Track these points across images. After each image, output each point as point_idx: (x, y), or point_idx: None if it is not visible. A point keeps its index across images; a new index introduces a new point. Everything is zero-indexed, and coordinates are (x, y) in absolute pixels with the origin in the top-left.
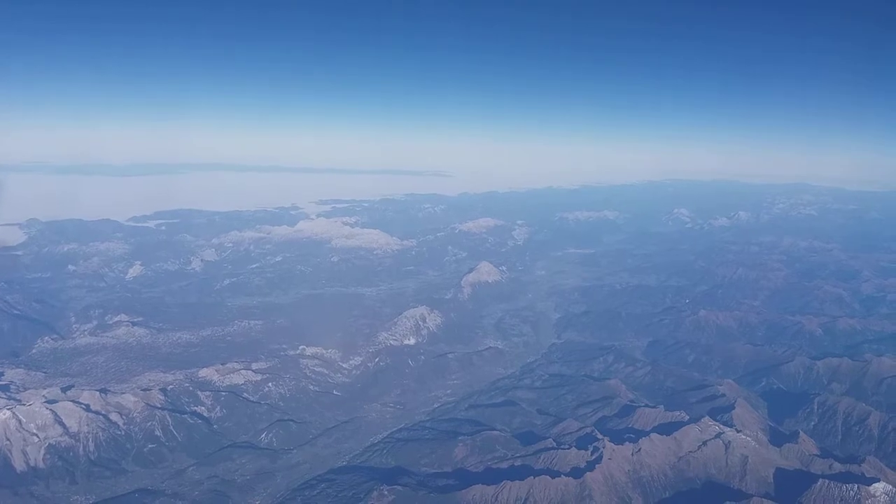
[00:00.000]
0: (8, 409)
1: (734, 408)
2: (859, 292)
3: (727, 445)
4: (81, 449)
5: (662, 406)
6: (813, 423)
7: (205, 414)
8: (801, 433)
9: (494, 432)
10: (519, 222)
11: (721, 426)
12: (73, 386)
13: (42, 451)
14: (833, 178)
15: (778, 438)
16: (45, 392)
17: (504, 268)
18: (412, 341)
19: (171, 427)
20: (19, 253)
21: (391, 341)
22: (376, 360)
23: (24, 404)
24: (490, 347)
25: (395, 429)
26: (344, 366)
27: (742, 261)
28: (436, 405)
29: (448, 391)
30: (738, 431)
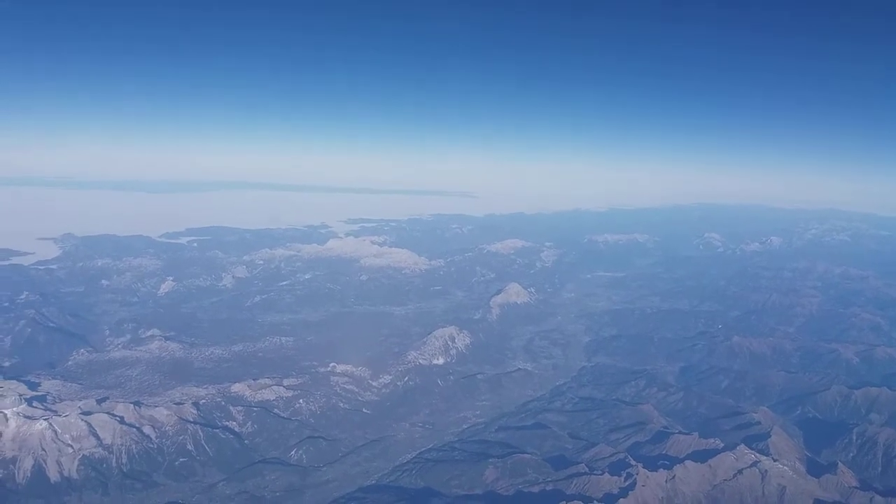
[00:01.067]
0: (44, 420)
1: (770, 436)
2: None
3: (763, 475)
4: (114, 461)
5: (697, 433)
6: (852, 454)
7: (236, 429)
8: (840, 464)
9: (525, 455)
10: (547, 244)
11: (757, 454)
12: (107, 398)
13: (76, 462)
14: (864, 204)
15: (816, 469)
16: (80, 404)
17: (533, 289)
18: (441, 361)
19: (203, 441)
20: (54, 267)
21: (420, 360)
22: (405, 378)
23: (59, 415)
24: (519, 369)
25: (423, 449)
26: (373, 384)
27: (775, 286)
28: (465, 426)
29: (477, 412)
30: (774, 461)
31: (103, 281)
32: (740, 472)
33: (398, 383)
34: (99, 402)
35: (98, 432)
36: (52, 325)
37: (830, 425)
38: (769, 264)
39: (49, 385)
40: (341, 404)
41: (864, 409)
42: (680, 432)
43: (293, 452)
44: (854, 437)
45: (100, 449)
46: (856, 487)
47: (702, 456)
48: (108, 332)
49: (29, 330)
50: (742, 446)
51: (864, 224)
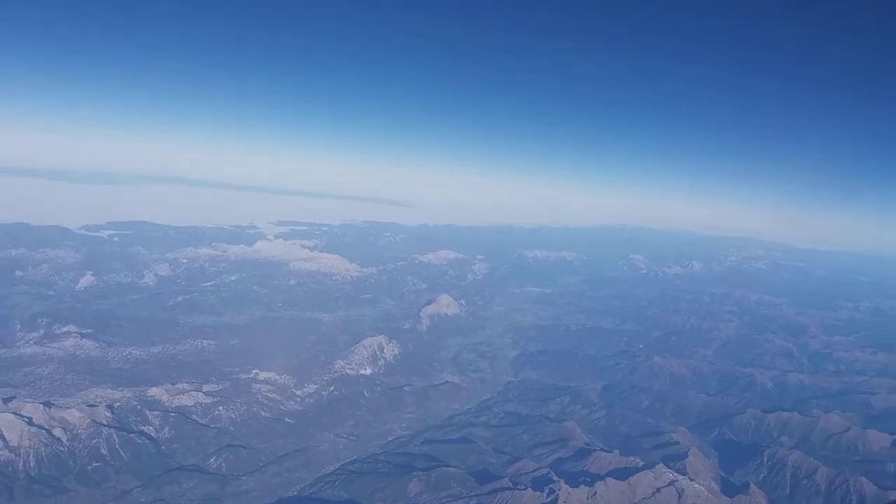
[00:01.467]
0: None
1: (688, 456)
2: (807, 348)
3: (680, 493)
4: (21, 464)
5: (618, 451)
6: (763, 475)
7: (152, 434)
8: (752, 485)
9: (450, 469)
10: (479, 257)
11: (675, 474)
12: (14, 397)
13: None
14: (782, 235)
15: (729, 489)
16: None
17: (463, 301)
18: (368, 371)
19: (117, 446)
20: None
21: (347, 370)
22: (331, 388)
23: None
24: (447, 382)
25: (347, 460)
26: (297, 393)
27: (695, 310)
28: (390, 438)
29: (403, 424)
30: (691, 480)
31: (17, 272)
32: (658, 490)
33: (323, 393)
34: (5, 401)
35: (4, 433)
36: None
37: (744, 447)
38: (689, 288)
39: None
40: (263, 413)
41: (776, 432)
42: (602, 449)
43: (212, 460)
44: (765, 459)
45: (5, 451)
46: None
47: (622, 474)
48: (19, 327)
49: None
50: (661, 465)
51: (780, 254)
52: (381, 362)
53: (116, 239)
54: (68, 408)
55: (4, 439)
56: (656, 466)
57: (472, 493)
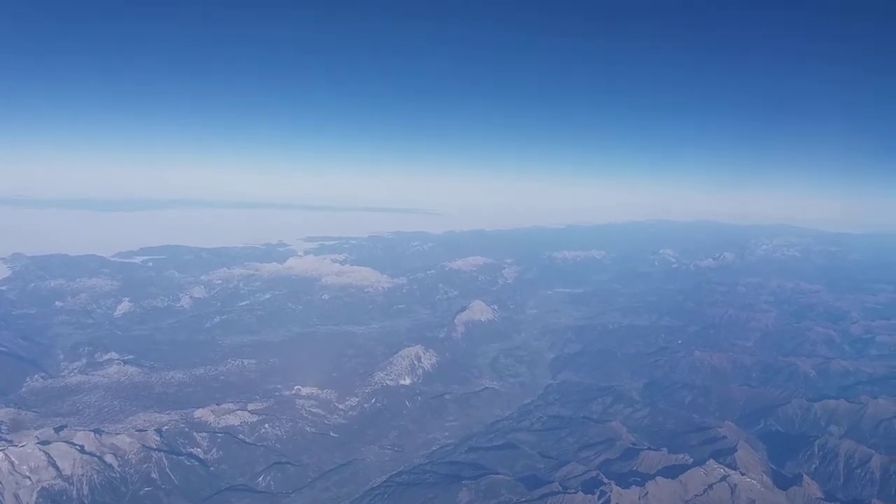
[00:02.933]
0: (0, 451)
1: (737, 450)
2: (849, 334)
3: (733, 489)
4: (75, 492)
5: (665, 449)
6: (814, 465)
7: (201, 456)
8: (805, 476)
9: (498, 476)
10: (508, 260)
11: (726, 469)
12: (65, 426)
13: (35, 495)
14: (812, 220)
15: (781, 481)
16: (37, 433)
17: (496, 306)
18: (408, 381)
19: (168, 469)
20: (4, 288)
21: (387, 381)
22: (372, 400)
23: (16, 445)
24: (486, 388)
25: (394, 472)
26: (340, 406)
27: (731, 301)
28: (434, 447)
29: (446, 433)
30: (742, 475)
31: (57, 302)
32: (710, 486)
33: (365, 405)
34: (57, 430)
35: (57, 462)
36: (2, 349)
37: (792, 438)
38: (723, 280)
39: (2, 413)
40: (308, 428)
41: (823, 421)
42: (649, 448)
43: (260, 479)
44: (816, 450)
45: (59, 480)
46: (821, 499)
47: (672, 472)
48: (62, 357)
49: None
50: (711, 461)
51: (811, 240)
52: (420, 372)
53: (150, 264)
54: (118, 434)
55: (58, 469)
56: (707, 463)
57: (523, 500)
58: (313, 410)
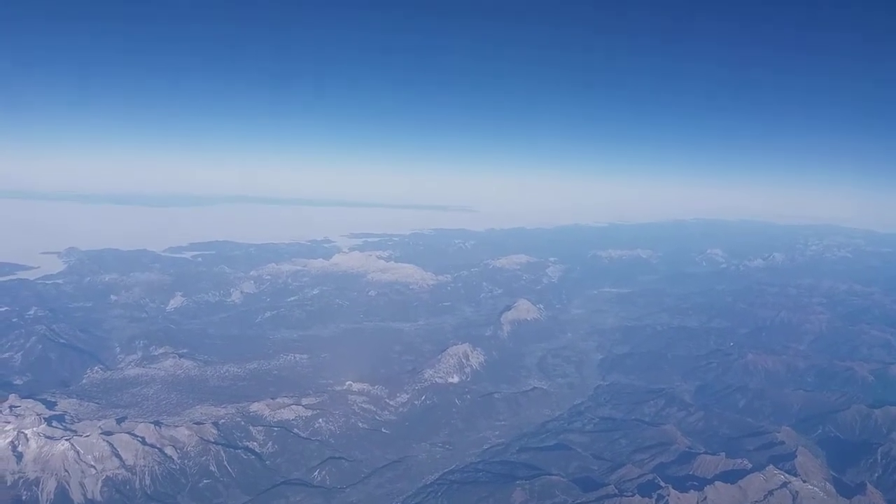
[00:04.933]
0: (66, 441)
1: (796, 456)
2: None
3: (794, 496)
4: (138, 482)
5: (723, 453)
6: (877, 474)
7: (257, 449)
8: (869, 485)
9: (552, 477)
10: (552, 259)
11: (786, 475)
12: (126, 418)
13: (99, 484)
14: (863, 220)
15: (843, 490)
16: (100, 424)
17: (541, 305)
18: (456, 379)
19: (225, 462)
20: (60, 282)
21: (436, 379)
22: (423, 397)
23: (80, 435)
24: (535, 388)
25: (446, 470)
26: (391, 403)
27: (783, 303)
28: (485, 446)
29: (496, 432)
30: (804, 482)
31: (112, 296)
32: (771, 493)
33: (415, 402)
34: (118, 421)
35: (120, 453)
36: (62, 341)
37: (853, 445)
38: (773, 280)
39: (66, 404)
40: (360, 424)
41: (885, 428)
42: (706, 452)
43: (316, 473)
44: (879, 457)
45: (123, 470)
46: None
47: (730, 477)
48: (118, 350)
49: (40, 346)
50: (771, 467)
51: (863, 241)
52: (468, 370)
53: (200, 259)
54: (177, 426)
55: (121, 459)
56: (766, 468)
57: (578, 502)
58: (365, 406)
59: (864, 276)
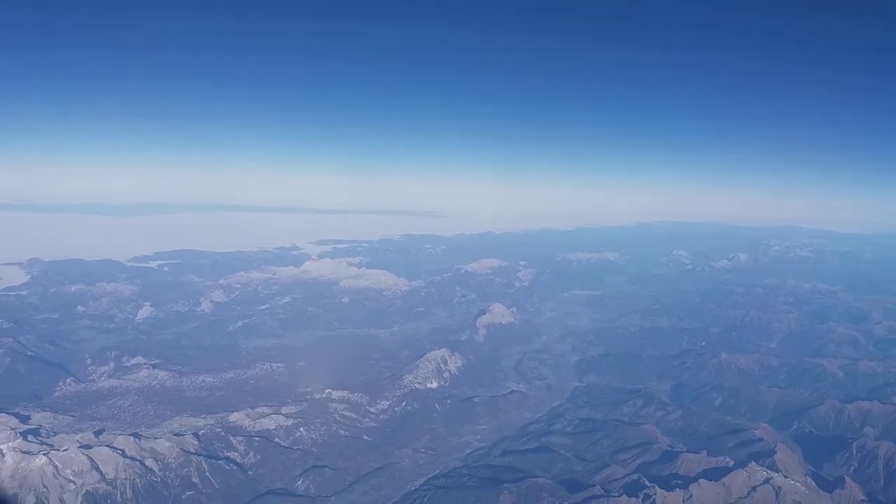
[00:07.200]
0: (44, 455)
1: (775, 452)
2: (872, 334)
3: (777, 491)
4: (119, 496)
5: (705, 451)
6: (853, 467)
7: (239, 460)
8: (847, 479)
9: (538, 479)
10: (522, 263)
11: (768, 471)
12: (103, 430)
13: (79, 499)
14: (823, 221)
15: (822, 484)
16: (78, 437)
17: (515, 309)
18: (435, 385)
19: (208, 473)
20: (25, 293)
21: (416, 384)
22: (403, 403)
23: (58, 450)
24: (514, 391)
25: (430, 475)
26: (371, 410)
27: (750, 303)
28: (468, 450)
29: (478, 436)
30: (785, 477)
31: (79, 307)
32: (754, 489)
33: (396, 408)
34: (96, 434)
35: (100, 466)
36: (30, 353)
37: (828, 440)
38: (739, 280)
39: (40, 418)
40: (342, 431)
41: (857, 423)
42: (688, 451)
43: (299, 483)
44: (854, 451)
45: (103, 484)
46: (864, 501)
47: (713, 474)
48: (89, 361)
49: (7, 359)
50: (753, 464)
51: (823, 240)
52: (447, 375)
53: (167, 268)
54: (157, 438)
55: (101, 472)
56: (749, 465)
57: (566, 503)
58: (345, 414)
59: (826, 274)
